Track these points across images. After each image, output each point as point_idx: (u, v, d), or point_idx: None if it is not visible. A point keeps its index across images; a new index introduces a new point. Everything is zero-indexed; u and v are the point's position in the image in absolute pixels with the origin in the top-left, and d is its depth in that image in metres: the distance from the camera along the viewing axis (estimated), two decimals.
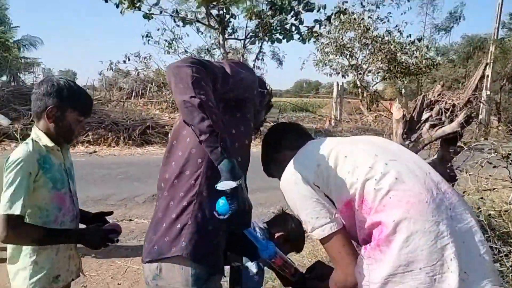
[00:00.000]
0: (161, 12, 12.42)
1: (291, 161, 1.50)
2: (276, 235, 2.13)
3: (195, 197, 1.53)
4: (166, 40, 15.65)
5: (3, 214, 1.56)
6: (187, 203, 1.54)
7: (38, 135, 1.72)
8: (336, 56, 21.05)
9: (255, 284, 2.13)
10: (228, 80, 1.51)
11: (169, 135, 1.72)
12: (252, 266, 2.09)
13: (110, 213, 1.96)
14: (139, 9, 11.77)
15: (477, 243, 1.30)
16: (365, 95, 21.48)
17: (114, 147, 11.14)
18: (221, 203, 1.32)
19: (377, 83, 22.74)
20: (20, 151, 1.65)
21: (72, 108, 1.71)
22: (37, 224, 1.66)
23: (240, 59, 15.49)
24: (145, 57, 18.63)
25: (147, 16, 12.18)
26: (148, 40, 15.22)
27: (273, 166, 1.70)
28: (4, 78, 18.61)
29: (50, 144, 1.71)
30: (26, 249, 1.69)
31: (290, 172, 1.47)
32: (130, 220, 5.27)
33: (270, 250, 1.82)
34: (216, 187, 1.31)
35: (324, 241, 1.39)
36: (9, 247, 1.73)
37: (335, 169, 1.40)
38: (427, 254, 1.23)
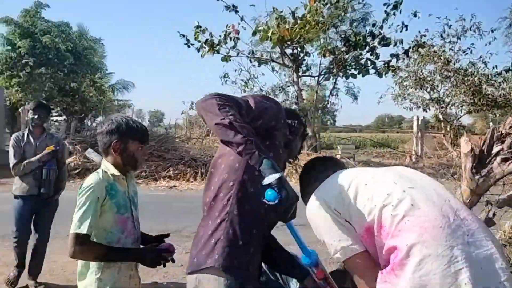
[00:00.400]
0: (238, 54, 13.14)
1: (316, 190, 1.61)
2: None
3: (227, 215, 1.72)
4: (242, 80, 16.29)
5: (73, 232, 1.81)
6: (221, 221, 1.72)
7: (107, 166, 1.99)
8: (415, 89, 20.28)
9: None
10: (251, 109, 1.71)
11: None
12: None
13: (167, 235, 2.17)
14: (218, 52, 12.56)
15: (497, 270, 1.28)
16: (448, 129, 20.33)
17: (192, 182, 11.72)
18: (269, 193, 1.42)
19: (461, 116, 21.41)
20: (92, 178, 1.93)
21: (132, 139, 1.98)
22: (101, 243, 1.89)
23: (315, 96, 15.66)
24: None
25: (225, 59, 12.92)
26: (226, 80, 16.07)
27: (308, 199, 1.78)
28: (99, 119, 20.41)
29: (117, 173, 1.97)
30: (92, 267, 1.91)
31: (314, 199, 1.57)
32: None
33: (313, 258, 1.84)
34: (263, 183, 1.44)
35: (347, 262, 1.46)
36: (79, 265, 1.95)
37: (355, 196, 1.47)
38: (440, 278, 1.24)
